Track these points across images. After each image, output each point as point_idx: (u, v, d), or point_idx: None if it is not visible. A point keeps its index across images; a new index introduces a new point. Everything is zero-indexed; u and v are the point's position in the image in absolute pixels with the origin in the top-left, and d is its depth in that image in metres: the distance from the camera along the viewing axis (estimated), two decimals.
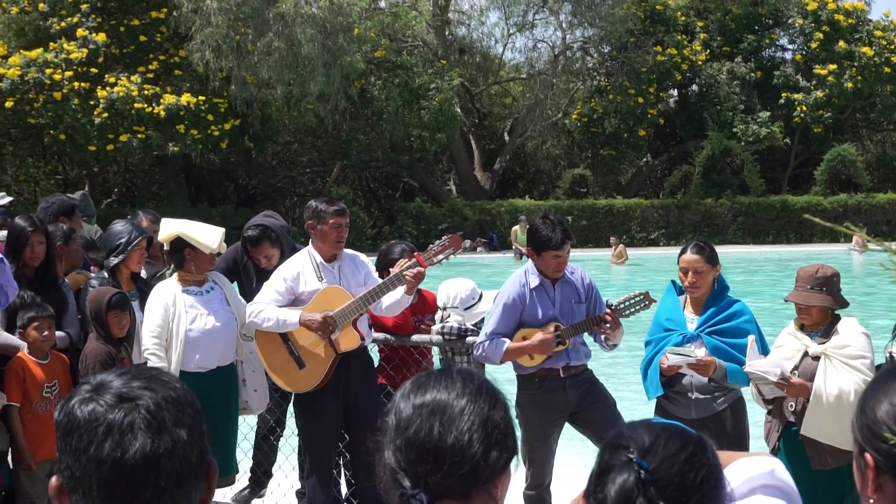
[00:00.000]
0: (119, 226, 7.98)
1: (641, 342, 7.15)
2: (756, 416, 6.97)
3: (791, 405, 6.37)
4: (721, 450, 2.53)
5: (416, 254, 7.35)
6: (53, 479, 2.03)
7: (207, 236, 7.52)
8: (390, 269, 7.43)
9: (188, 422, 2.03)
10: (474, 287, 8.05)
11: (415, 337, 7.88)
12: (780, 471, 2.54)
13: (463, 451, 2.25)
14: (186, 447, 2.00)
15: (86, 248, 9.01)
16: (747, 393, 6.82)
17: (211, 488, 2.10)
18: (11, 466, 7.30)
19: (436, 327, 7.87)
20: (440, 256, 7.37)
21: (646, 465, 2.14)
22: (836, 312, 6.47)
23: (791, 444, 6.38)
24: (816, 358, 6.26)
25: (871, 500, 2.19)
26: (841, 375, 6.11)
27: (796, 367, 6.30)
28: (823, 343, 6.29)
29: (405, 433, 2.30)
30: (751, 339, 6.48)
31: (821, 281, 6.34)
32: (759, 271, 30.89)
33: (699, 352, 6.62)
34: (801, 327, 6.49)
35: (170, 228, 7.74)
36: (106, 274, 7.81)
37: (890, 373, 2.30)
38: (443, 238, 7.48)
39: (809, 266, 6.53)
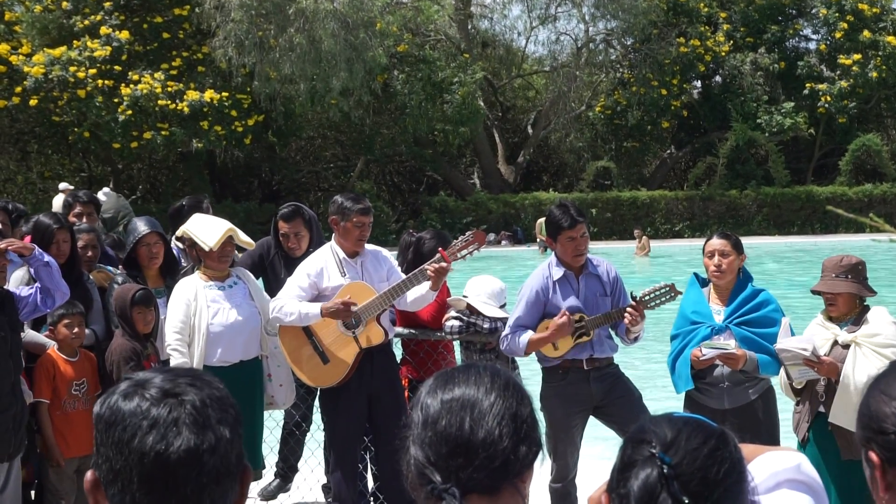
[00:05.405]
0: (133, 223, 8.04)
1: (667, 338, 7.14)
2: (786, 407, 6.95)
3: (821, 394, 6.35)
4: (751, 441, 2.53)
5: (440, 249, 7.35)
6: (89, 474, 2.05)
7: (207, 233, 7.47)
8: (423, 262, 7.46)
9: (231, 421, 2.06)
10: (504, 288, 8.02)
11: (443, 328, 7.87)
12: (805, 466, 2.53)
13: (494, 445, 2.26)
14: (228, 446, 2.03)
15: (113, 246, 9.07)
16: (777, 383, 6.82)
17: (244, 493, 2.12)
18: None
19: (451, 316, 7.82)
20: (464, 252, 7.36)
21: (668, 459, 2.14)
22: (865, 303, 6.47)
23: (821, 435, 6.36)
24: (846, 347, 6.26)
25: (884, 500, 2.16)
26: (870, 363, 6.08)
27: (826, 355, 6.29)
28: (853, 332, 6.29)
29: (434, 428, 2.30)
30: (785, 320, 6.52)
31: (846, 269, 6.35)
32: (786, 261, 30.78)
33: (730, 343, 6.62)
34: (830, 319, 6.49)
35: (185, 225, 7.76)
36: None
37: (886, 373, 2.28)
38: (467, 233, 7.47)
39: (834, 256, 6.55)
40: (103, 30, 35.84)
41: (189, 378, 2.07)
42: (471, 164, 49.37)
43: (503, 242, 39.23)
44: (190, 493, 1.98)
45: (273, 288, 8.09)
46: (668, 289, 7.17)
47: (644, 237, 35.06)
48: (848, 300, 6.39)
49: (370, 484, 8.12)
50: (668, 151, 47.55)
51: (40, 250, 6.69)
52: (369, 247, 7.54)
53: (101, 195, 14.83)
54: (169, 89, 35.60)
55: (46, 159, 42.69)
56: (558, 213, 7.07)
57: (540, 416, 2.45)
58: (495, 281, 7.99)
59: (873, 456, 2.16)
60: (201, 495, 1.99)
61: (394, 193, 49.03)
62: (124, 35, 35.83)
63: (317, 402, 8.08)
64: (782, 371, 6.50)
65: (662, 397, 8.89)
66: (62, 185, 25.52)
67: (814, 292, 6.54)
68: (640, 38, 43.60)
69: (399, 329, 7.87)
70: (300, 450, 8.67)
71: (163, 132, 35.39)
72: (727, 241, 6.90)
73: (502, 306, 7.89)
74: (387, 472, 7.46)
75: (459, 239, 7.46)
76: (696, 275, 7.12)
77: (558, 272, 7.11)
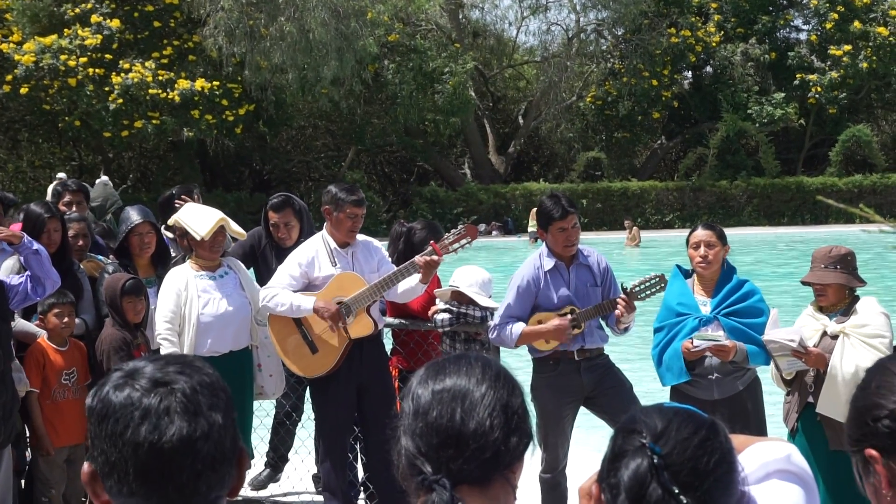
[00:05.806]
0: (126, 211, 8.03)
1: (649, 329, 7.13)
2: (775, 397, 6.96)
3: (810, 385, 6.36)
4: (741, 431, 2.53)
5: (431, 242, 7.35)
6: (86, 466, 2.05)
7: (199, 223, 7.46)
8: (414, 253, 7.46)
9: (223, 406, 2.06)
10: (490, 279, 8.00)
11: (433, 322, 7.85)
12: (796, 456, 2.53)
13: (485, 436, 2.25)
14: (221, 431, 2.03)
15: (103, 235, 9.05)
16: (763, 373, 6.83)
17: (242, 475, 2.13)
18: (30, 453, 7.34)
19: (440, 309, 7.79)
20: (456, 245, 7.37)
21: (659, 450, 2.14)
22: (855, 293, 6.48)
23: (810, 425, 6.35)
24: (835, 337, 6.25)
25: (889, 497, 2.14)
26: (858, 353, 6.08)
27: (815, 346, 6.29)
28: (843, 322, 6.30)
29: (426, 418, 2.28)
30: (774, 312, 6.52)
31: (835, 259, 6.36)
32: (776, 252, 30.83)
33: (720, 334, 6.63)
34: (820, 309, 6.50)
35: (176, 214, 7.75)
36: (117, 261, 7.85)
37: (867, 378, 2.27)
38: (459, 227, 7.47)
39: (823, 247, 6.55)
40: (94, 18, 35.78)
41: (179, 365, 2.07)
42: (461, 154, 49.40)
43: (493, 233, 39.26)
44: (186, 480, 1.98)
45: (264, 278, 8.07)
46: (658, 280, 7.17)
47: (634, 228, 35.11)
48: (837, 291, 6.39)
49: (360, 474, 8.12)
50: (659, 142, 47.62)
51: (29, 238, 6.67)
52: (360, 237, 7.52)
53: (98, 183, 14.76)
54: (160, 78, 35.58)
55: (37, 148, 42.64)
56: (549, 204, 7.07)
57: (531, 406, 2.44)
58: (482, 271, 7.97)
59: (872, 452, 2.14)
60: (197, 482, 2.00)
61: (384, 183, 49.02)
62: (115, 23, 35.77)
63: (308, 393, 8.08)
64: (773, 362, 6.51)
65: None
66: (60, 175, 25.57)
67: (804, 283, 6.56)
68: (630, 28, 43.65)
69: (389, 319, 7.86)
70: (290, 440, 8.67)
71: (153, 121, 35.36)
72: (712, 231, 6.91)
73: (489, 297, 7.88)
74: (376, 463, 7.45)
75: (451, 232, 7.46)
76: (678, 266, 7.12)
77: (549, 263, 7.10)
